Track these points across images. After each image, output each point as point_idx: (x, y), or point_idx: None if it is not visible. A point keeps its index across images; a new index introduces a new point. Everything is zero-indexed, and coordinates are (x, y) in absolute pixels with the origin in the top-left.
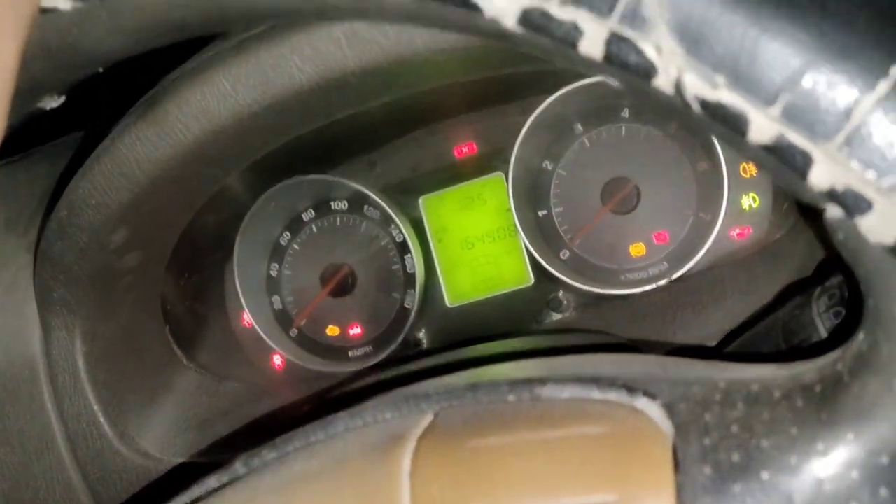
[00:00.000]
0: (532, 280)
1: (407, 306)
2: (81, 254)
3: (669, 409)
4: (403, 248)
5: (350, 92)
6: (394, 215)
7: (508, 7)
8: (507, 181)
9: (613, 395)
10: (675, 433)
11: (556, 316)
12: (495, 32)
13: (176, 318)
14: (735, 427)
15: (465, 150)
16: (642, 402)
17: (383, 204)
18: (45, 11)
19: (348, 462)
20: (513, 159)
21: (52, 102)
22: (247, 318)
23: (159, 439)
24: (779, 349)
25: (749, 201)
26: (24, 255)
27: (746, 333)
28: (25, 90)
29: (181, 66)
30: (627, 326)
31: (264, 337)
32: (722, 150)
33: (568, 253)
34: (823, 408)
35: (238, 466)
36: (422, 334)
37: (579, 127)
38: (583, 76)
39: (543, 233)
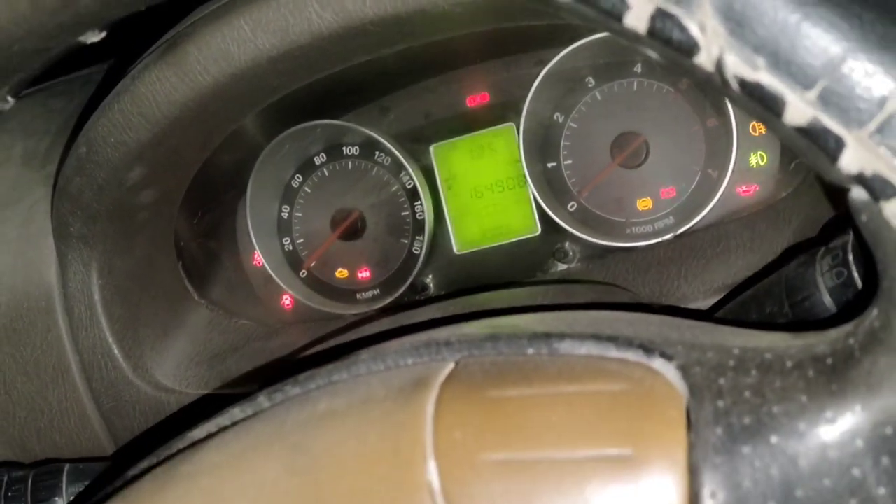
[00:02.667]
0: (539, 230)
1: (415, 252)
2: (99, 190)
3: (684, 371)
4: (413, 194)
5: (368, 39)
6: (405, 162)
7: None
8: (517, 132)
9: (631, 355)
10: (689, 395)
11: (562, 266)
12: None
13: (189, 255)
14: (748, 392)
15: (477, 99)
16: (658, 363)
17: (394, 150)
18: None
19: (373, 402)
20: (525, 111)
21: (93, 37)
22: (258, 257)
23: (171, 372)
24: (781, 306)
25: (757, 159)
26: (42, 188)
27: (750, 289)
28: (69, 24)
29: (201, 8)
30: (632, 279)
31: (275, 277)
32: (732, 107)
33: (575, 205)
34: (834, 379)
35: (262, 399)
36: (429, 280)
37: (591, 81)
38: (596, 31)
39: (552, 184)
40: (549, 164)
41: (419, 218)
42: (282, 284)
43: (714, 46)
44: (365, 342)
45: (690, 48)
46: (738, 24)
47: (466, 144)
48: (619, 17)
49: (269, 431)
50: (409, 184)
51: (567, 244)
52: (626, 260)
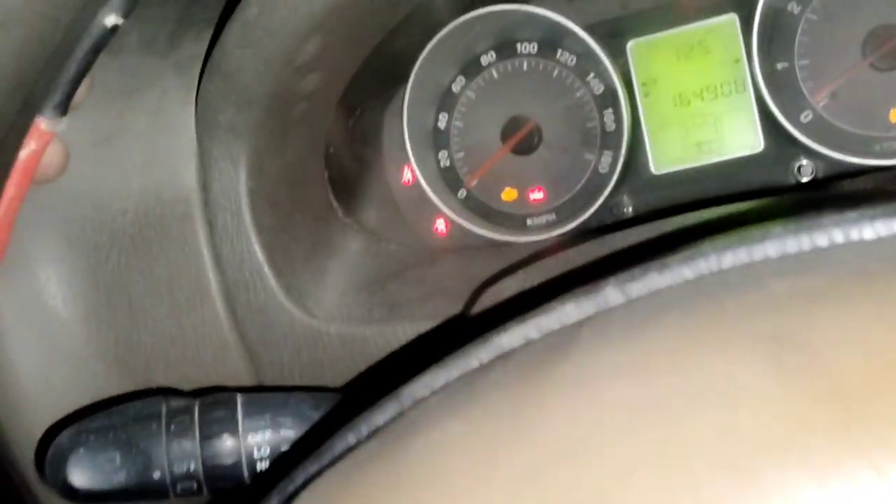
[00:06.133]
0: (762, 145)
1: (601, 170)
2: (264, 66)
3: None
4: (602, 101)
5: None
6: (605, 59)
7: None
8: (737, 25)
9: None
10: None
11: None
12: None
13: (336, 165)
14: None
15: None
16: None
17: (591, 43)
18: None
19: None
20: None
21: None
22: (408, 174)
23: (329, 297)
24: None
25: None
26: (172, 76)
27: None
28: None
29: None
30: None
31: (430, 195)
32: None
33: (811, 114)
34: None
35: (610, 291)
36: (623, 204)
37: None
38: None
39: (781, 90)
40: (779, 65)
41: (608, 130)
42: (439, 204)
43: None
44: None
45: None
46: None
47: (672, 41)
48: None
49: (710, 313)
50: (598, 89)
51: (803, 162)
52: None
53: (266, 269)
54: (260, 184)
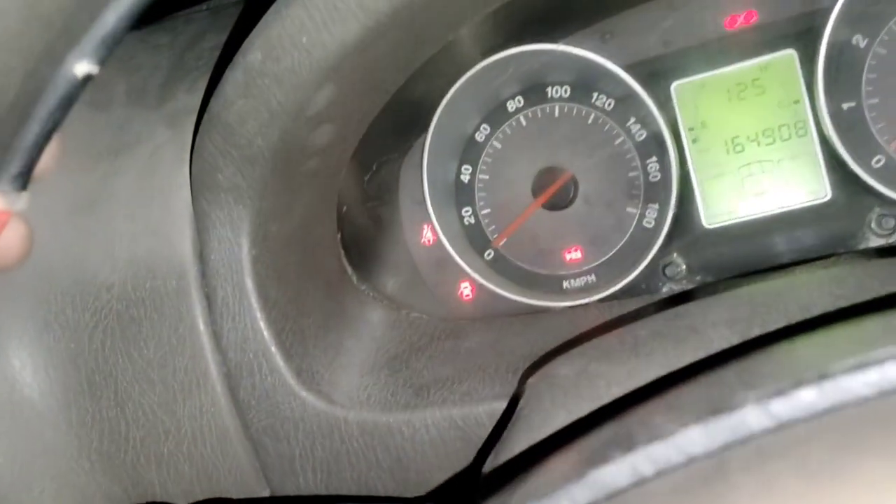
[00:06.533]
0: (829, 193)
1: (647, 225)
2: (270, 118)
3: None
4: (645, 148)
5: None
6: (648, 101)
7: None
8: (797, 61)
9: None
10: None
11: (877, 240)
12: None
13: (350, 226)
14: None
15: (739, 18)
16: None
17: (632, 84)
18: None
19: None
20: (827, 31)
21: None
22: (428, 233)
23: (345, 379)
24: None
25: None
26: (163, 129)
27: None
28: None
29: None
30: None
31: (454, 256)
32: None
33: (883, 159)
34: None
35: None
36: (672, 264)
37: None
38: None
39: (848, 132)
40: (846, 105)
41: (653, 180)
42: (463, 266)
43: None
44: None
45: None
46: None
47: (722, 81)
48: None
49: None
50: (640, 135)
51: (880, 211)
52: None
53: (273, 348)
54: (265, 251)
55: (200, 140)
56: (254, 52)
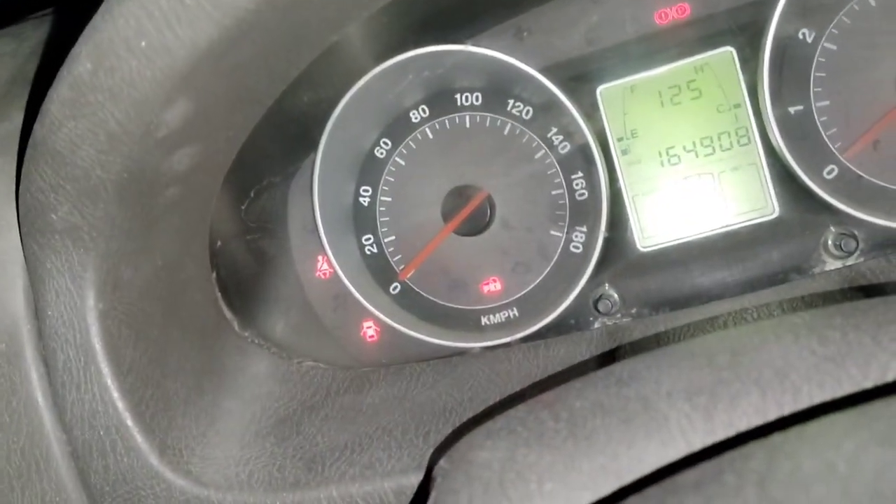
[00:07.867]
0: (777, 210)
1: (574, 250)
2: (110, 141)
3: None
4: (569, 163)
5: None
6: (571, 109)
7: None
8: (737, 60)
9: None
10: None
11: (834, 263)
12: None
13: (228, 262)
14: None
15: (672, 12)
16: None
17: (552, 89)
18: None
19: None
20: (773, 25)
21: None
22: (323, 265)
23: (222, 454)
24: None
25: None
26: None
27: None
28: None
29: None
30: None
31: (353, 291)
32: None
33: (836, 169)
34: None
35: None
36: (604, 297)
37: None
38: None
39: (798, 139)
40: (793, 109)
41: (580, 198)
42: (365, 303)
43: None
44: None
45: None
46: None
47: (654, 84)
48: None
49: None
50: (564, 147)
51: (835, 230)
52: None
53: (129, 422)
54: (116, 303)
55: (26, 172)
56: (81, 61)
